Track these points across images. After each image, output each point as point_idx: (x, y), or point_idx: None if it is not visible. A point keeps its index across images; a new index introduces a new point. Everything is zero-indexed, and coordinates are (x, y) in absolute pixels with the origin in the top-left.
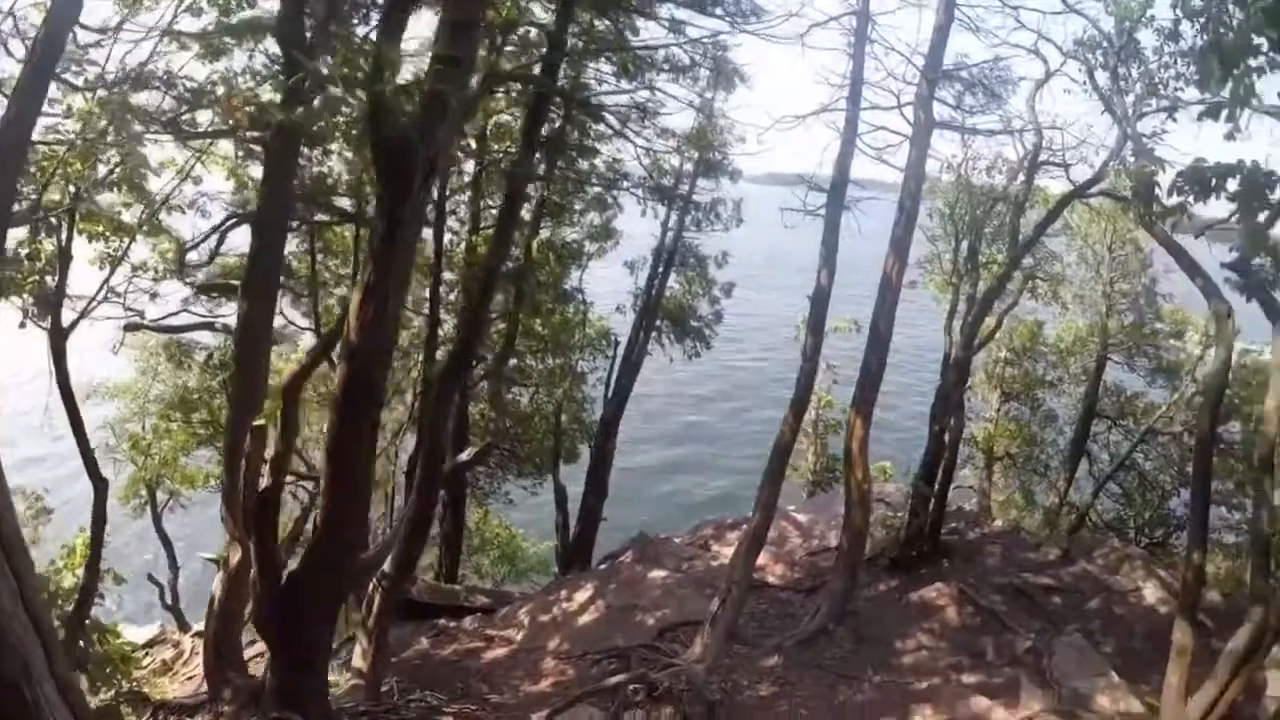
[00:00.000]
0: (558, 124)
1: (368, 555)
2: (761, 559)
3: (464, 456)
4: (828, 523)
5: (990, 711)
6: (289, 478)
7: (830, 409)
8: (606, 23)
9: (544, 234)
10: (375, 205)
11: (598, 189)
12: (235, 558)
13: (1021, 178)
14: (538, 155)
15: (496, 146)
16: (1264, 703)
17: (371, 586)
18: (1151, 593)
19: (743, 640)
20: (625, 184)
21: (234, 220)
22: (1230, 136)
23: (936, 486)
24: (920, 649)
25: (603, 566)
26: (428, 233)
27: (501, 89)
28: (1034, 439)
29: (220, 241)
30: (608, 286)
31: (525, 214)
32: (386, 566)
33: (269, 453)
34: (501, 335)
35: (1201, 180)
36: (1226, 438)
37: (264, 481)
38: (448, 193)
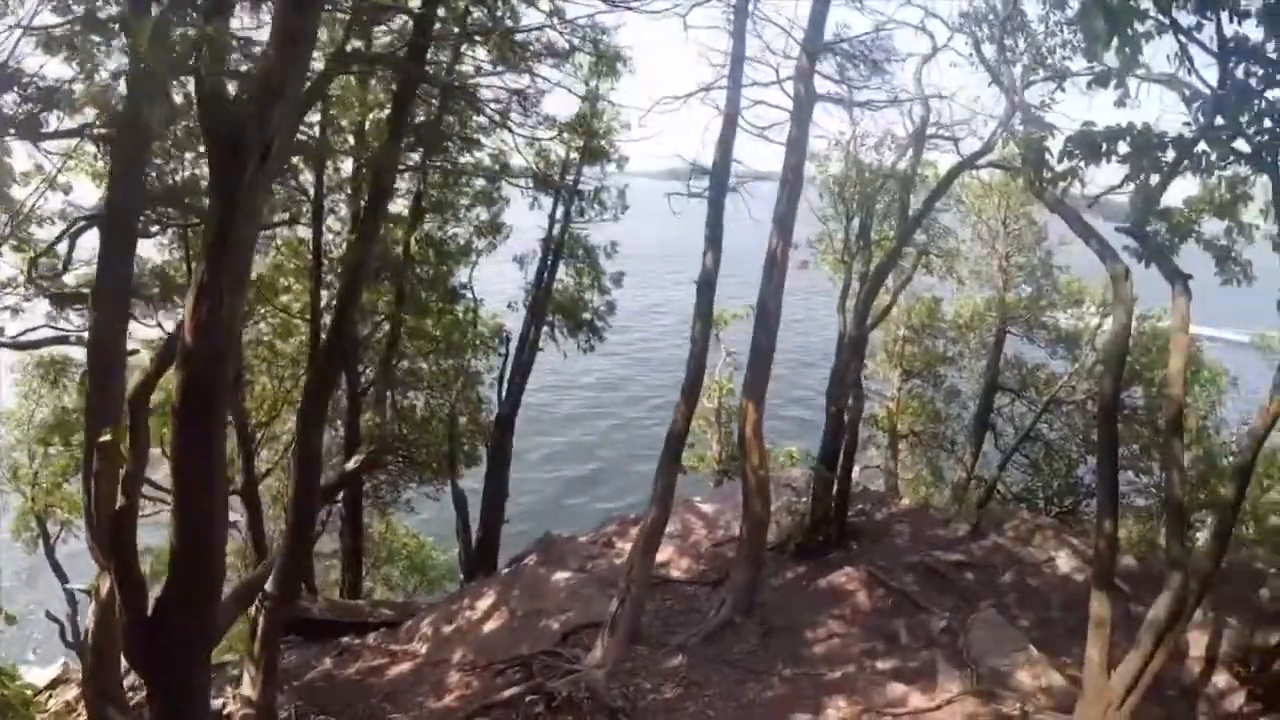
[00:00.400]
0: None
1: (250, 576)
2: (665, 553)
3: (350, 465)
4: (734, 512)
5: (907, 697)
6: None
7: (732, 396)
8: (482, 8)
9: (430, 230)
10: (209, 196)
11: (481, 183)
12: (104, 587)
13: (910, 152)
14: (410, 147)
15: (376, 143)
16: (1187, 664)
17: (255, 608)
18: (1065, 562)
19: (646, 641)
20: (508, 176)
21: (82, 223)
22: (1120, 103)
23: (839, 469)
24: (831, 637)
25: (506, 571)
26: (307, 233)
27: (377, 77)
28: (938, 415)
29: (71, 247)
30: (499, 283)
31: (403, 209)
32: (269, 586)
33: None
34: (385, 338)
35: (1091, 145)
36: (1130, 403)
37: (119, 502)
38: (325, 191)
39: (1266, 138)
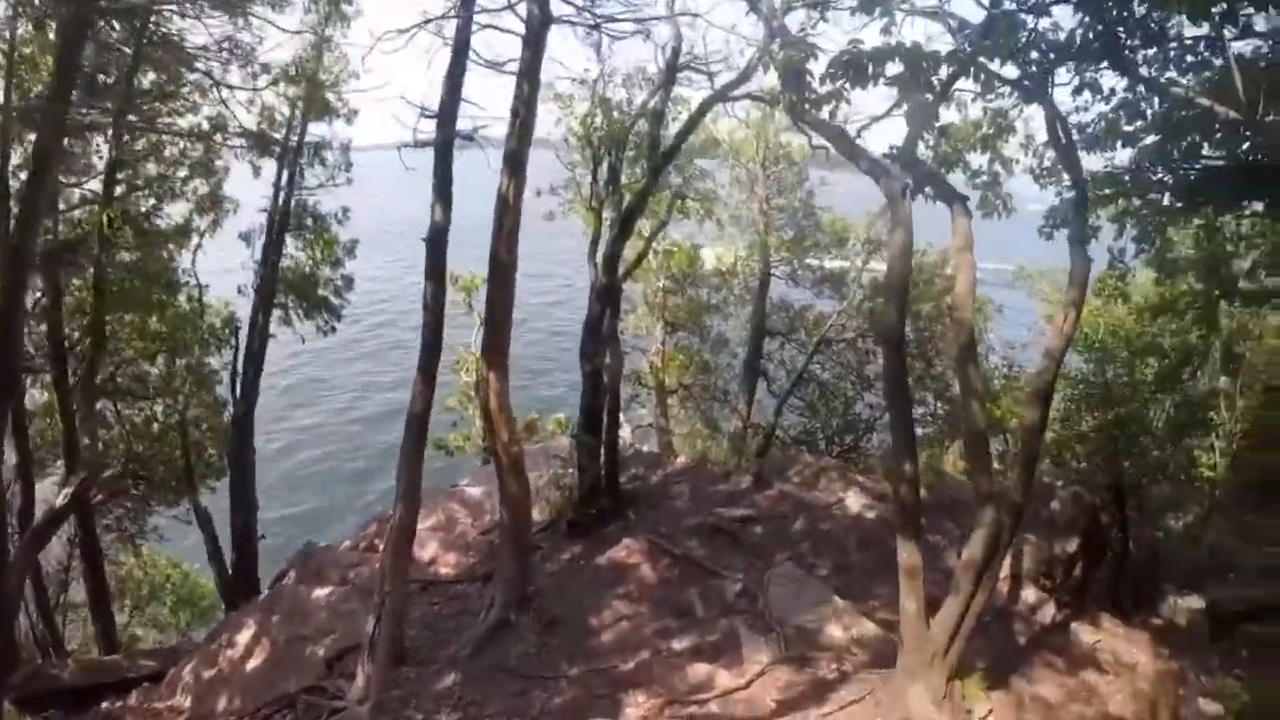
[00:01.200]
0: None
1: None
2: (429, 549)
3: (60, 501)
4: None
5: (713, 678)
6: None
7: None
8: None
9: (134, 206)
10: None
11: (199, 150)
12: None
13: (661, 87)
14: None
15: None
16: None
17: None
18: (854, 501)
19: (414, 658)
20: (217, 138)
21: None
22: (886, 32)
23: (604, 433)
24: (619, 620)
25: (265, 594)
26: None
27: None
28: (707, 366)
29: None
30: (228, 266)
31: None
32: None
33: None
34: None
35: (858, 66)
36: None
37: None
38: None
39: (1034, 68)
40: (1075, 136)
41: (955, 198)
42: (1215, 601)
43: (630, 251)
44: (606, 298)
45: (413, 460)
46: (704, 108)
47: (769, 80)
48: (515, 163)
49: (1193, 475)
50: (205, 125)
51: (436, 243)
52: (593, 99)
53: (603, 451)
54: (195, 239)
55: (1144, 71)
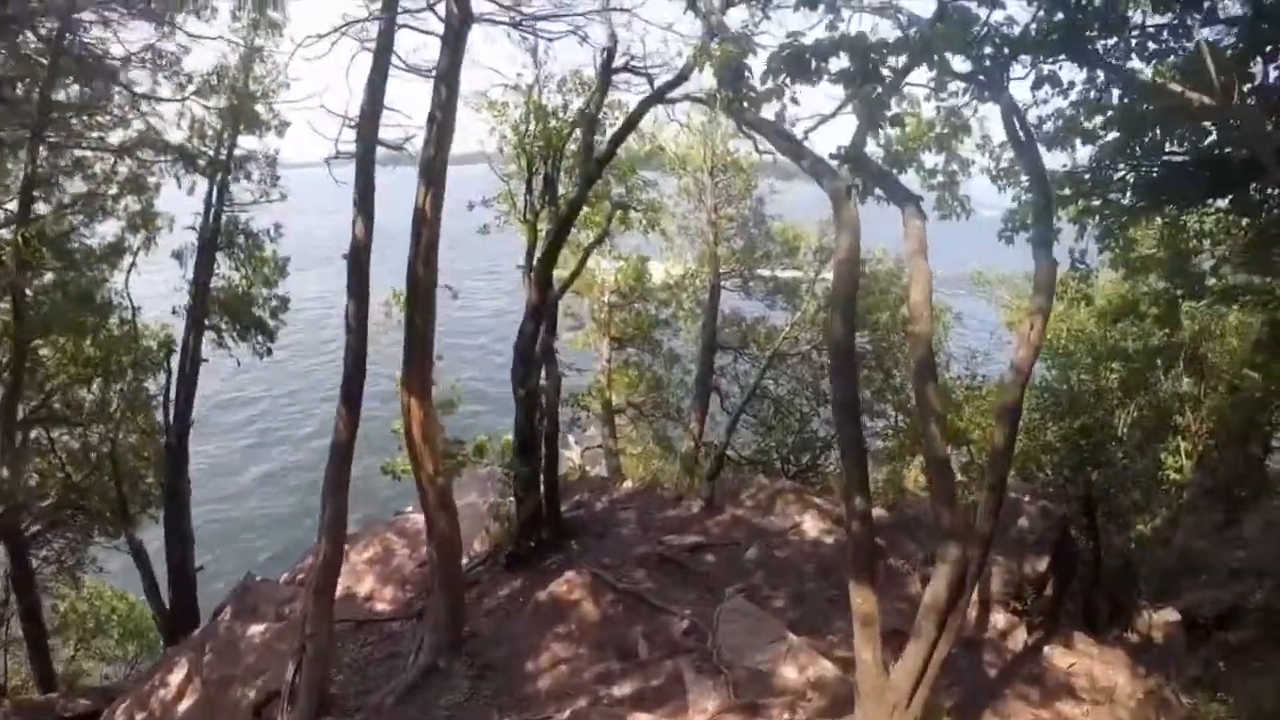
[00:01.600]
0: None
1: None
2: (366, 584)
3: None
4: None
5: None
6: None
7: (435, 388)
8: None
9: (53, 224)
10: None
11: (128, 167)
12: None
13: (596, 90)
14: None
15: None
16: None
17: None
18: (812, 525)
19: (339, 705)
20: (139, 152)
21: None
22: (833, 27)
23: (542, 459)
24: (557, 664)
25: (200, 631)
26: None
27: None
28: (660, 382)
29: None
30: (162, 287)
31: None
32: None
33: None
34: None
35: (799, 60)
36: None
37: None
38: None
39: (990, 62)
40: (1034, 134)
41: (908, 199)
42: (1187, 608)
43: (571, 265)
44: (539, 315)
45: (336, 492)
46: (640, 110)
47: (708, 80)
48: (432, 172)
49: (1160, 478)
50: (134, 139)
51: (358, 259)
52: (527, 105)
53: (542, 479)
54: (129, 258)
55: (1105, 62)
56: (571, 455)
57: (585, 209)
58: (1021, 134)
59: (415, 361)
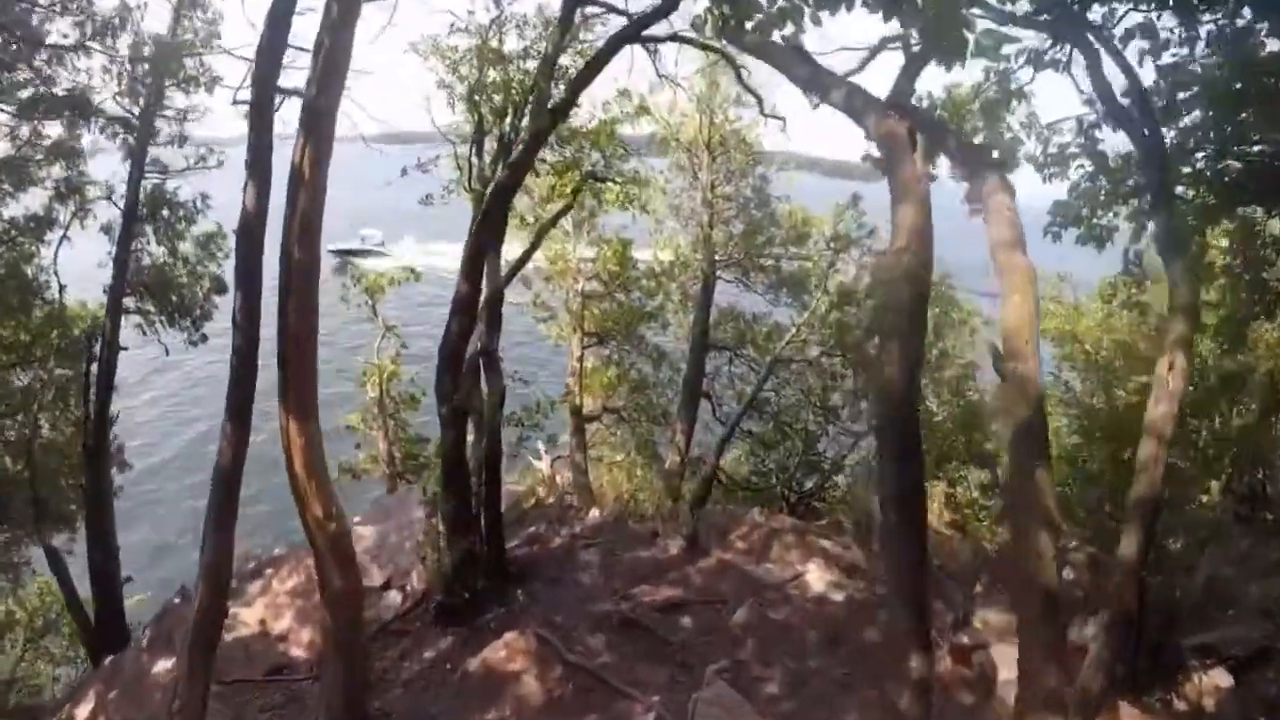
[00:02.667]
0: None
1: None
2: (283, 622)
3: None
4: (399, 535)
5: None
6: None
7: (398, 381)
8: None
9: None
10: None
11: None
12: None
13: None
14: None
15: None
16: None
17: None
18: (817, 577)
19: None
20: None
21: None
22: None
23: (481, 488)
24: None
25: (110, 660)
26: None
27: None
28: (644, 382)
29: None
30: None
31: None
32: None
33: None
34: None
35: None
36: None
37: None
38: None
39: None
40: (1100, 110)
41: (985, 163)
42: (1216, 645)
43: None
44: (469, 309)
45: (221, 526)
46: (611, 48)
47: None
48: (316, 118)
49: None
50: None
51: (249, 237)
52: (478, 49)
53: (483, 513)
54: (64, 232)
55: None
56: (540, 467)
57: (554, 180)
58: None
59: (291, 370)
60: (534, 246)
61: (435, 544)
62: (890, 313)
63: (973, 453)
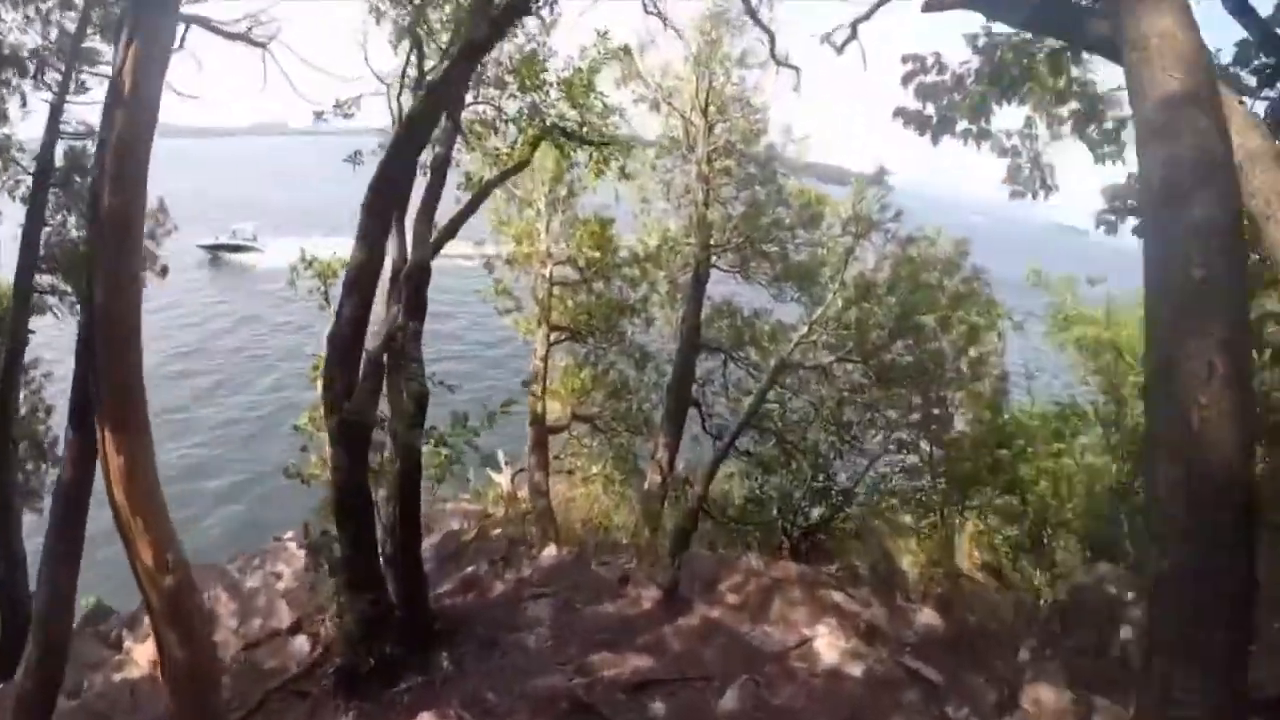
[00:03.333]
0: None
1: None
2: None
3: None
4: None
5: None
6: None
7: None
8: None
9: None
10: None
11: None
12: None
13: None
14: None
15: None
16: None
17: None
18: (829, 643)
19: None
20: None
21: None
22: None
23: (394, 521)
24: None
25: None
26: None
27: None
28: (624, 386)
29: None
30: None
31: None
32: None
33: None
34: None
35: None
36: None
37: None
38: None
39: None
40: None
41: None
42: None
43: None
44: (364, 288)
45: (60, 559)
46: None
47: None
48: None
49: None
50: None
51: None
52: None
53: (399, 562)
54: None
55: None
56: (500, 481)
57: (511, 130)
58: None
59: (105, 371)
60: (473, 205)
61: (323, 590)
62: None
63: (999, 476)
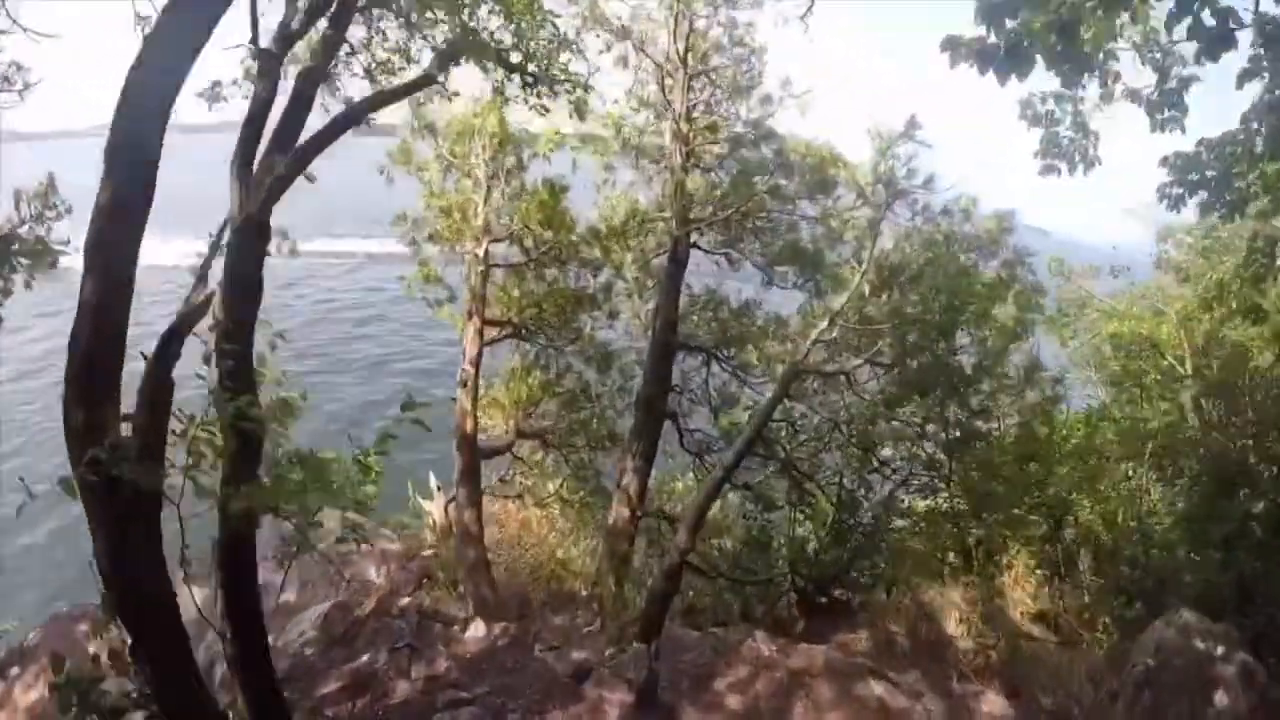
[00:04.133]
0: None
1: None
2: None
3: None
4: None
5: None
6: None
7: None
8: None
9: None
10: None
11: None
12: None
13: None
14: None
15: None
16: None
17: None
18: None
19: None
20: None
21: None
22: None
23: (224, 601)
24: None
25: None
26: None
27: None
28: (585, 394)
29: None
30: None
31: None
32: None
33: None
34: None
35: None
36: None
37: None
38: None
39: None
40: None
41: None
42: None
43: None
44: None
45: None
46: None
47: None
48: None
49: None
50: None
51: None
52: None
53: (231, 640)
54: None
55: None
56: (430, 510)
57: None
58: None
59: None
60: (340, 126)
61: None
62: None
63: (1044, 505)
